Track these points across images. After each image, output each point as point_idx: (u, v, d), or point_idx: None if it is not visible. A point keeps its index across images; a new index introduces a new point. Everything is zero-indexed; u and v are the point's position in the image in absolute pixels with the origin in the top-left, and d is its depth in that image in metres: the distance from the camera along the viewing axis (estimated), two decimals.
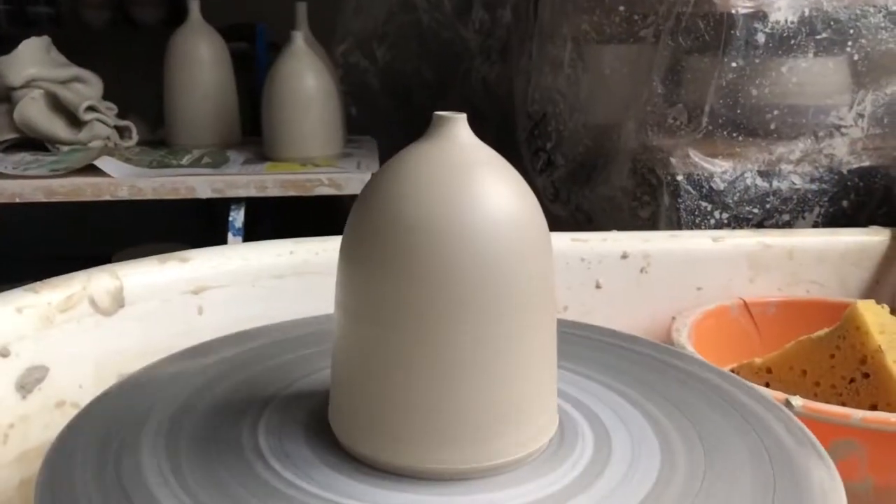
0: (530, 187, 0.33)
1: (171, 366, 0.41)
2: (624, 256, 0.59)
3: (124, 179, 0.91)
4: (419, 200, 0.31)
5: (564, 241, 0.60)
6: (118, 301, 0.50)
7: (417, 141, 0.33)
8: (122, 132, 1.20)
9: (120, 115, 1.21)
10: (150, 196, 0.91)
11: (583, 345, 0.44)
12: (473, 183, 0.31)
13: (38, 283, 0.47)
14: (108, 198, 0.90)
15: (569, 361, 0.40)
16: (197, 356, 0.42)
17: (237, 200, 0.93)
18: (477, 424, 0.31)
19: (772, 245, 0.61)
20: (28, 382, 0.44)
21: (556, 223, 0.96)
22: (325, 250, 0.57)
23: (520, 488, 0.31)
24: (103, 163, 0.93)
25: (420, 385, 0.31)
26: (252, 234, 0.96)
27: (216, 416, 0.36)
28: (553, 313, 0.33)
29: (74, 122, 1.15)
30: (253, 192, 0.92)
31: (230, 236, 0.91)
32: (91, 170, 0.93)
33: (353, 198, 0.99)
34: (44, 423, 0.45)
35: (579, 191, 0.89)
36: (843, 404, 0.49)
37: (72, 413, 0.47)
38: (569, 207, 0.93)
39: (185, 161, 1.04)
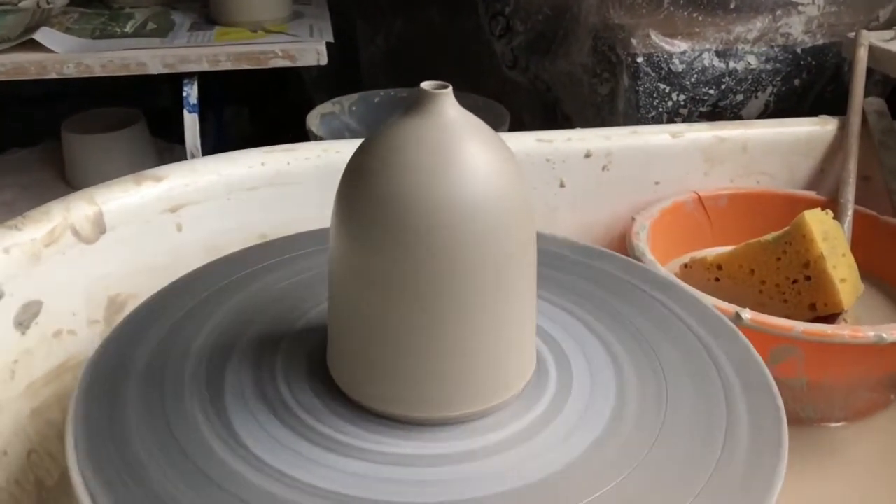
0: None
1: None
2: (587, 155, 0.61)
3: (70, 56, 0.87)
4: (409, 177, 0.32)
5: (530, 142, 0.61)
6: (99, 227, 0.51)
7: (404, 115, 0.34)
8: None
9: None
10: (98, 73, 0.87)
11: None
12: (461, 158, 0.33)
13: (19, 218, 0.48)
14: (54, 76, 0.87)
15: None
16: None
17: (190, 75, 0.90)
18: (466, 376, 0.35)
19: (726, 138, 0.64)
20: (25, 319, 0.46)
21: (515, 89, 0.96)
22: (295, 159, 0.58)
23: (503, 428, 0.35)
24: (44, 36, 0.89)
25: (411, 344, 0.34)
26: (204, 103, 0.94)
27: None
28: (534, 275, 0.36)
29: None
30: (206, 67, 0.90)
31: (186, 113, 0.89)
32: (32, 45, 0.88)
33: (308, 67, 0.97)
34: (44, 353, 0.47)
35: (539, 61, 0.89)
36: (786, 301, 0.54)
37: (69, 340, 0.50)
38: (528, 75, 0.93)
39: (129, 28, 0.99)
